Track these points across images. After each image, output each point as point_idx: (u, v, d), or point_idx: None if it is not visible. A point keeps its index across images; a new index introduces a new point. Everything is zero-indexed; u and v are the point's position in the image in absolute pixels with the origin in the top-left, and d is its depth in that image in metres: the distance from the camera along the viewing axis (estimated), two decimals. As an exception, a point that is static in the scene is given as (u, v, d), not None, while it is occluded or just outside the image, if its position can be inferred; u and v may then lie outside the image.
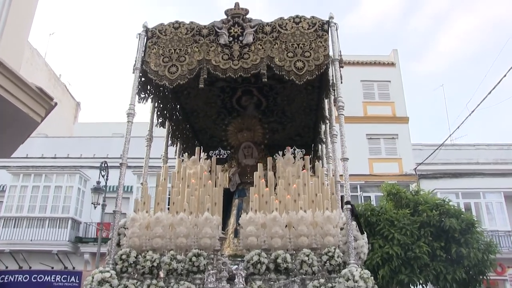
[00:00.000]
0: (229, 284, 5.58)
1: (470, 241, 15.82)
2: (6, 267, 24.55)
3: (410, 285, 16.28)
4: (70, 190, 25.71)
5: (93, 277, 5.73)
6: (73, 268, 25.01)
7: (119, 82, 79.90)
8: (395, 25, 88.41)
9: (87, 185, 26.41)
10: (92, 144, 27.48)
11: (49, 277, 24.45)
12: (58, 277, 24.62)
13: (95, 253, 23.22)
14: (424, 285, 16.60)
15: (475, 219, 16.97)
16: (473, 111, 19.16)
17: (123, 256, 5.99)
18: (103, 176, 20.72)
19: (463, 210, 22.56)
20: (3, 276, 23.85)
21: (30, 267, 24.53)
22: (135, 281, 5.90)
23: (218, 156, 10.08)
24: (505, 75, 15.26)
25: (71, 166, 26.25)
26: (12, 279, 24.05)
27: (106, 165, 21.05)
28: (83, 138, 28.55)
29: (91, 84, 75.22)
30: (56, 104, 6.95)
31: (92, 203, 21.35)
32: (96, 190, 20.99)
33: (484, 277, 16.38)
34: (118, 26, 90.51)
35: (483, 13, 78.84)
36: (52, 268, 24.75)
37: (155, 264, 5.95)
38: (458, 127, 24.46)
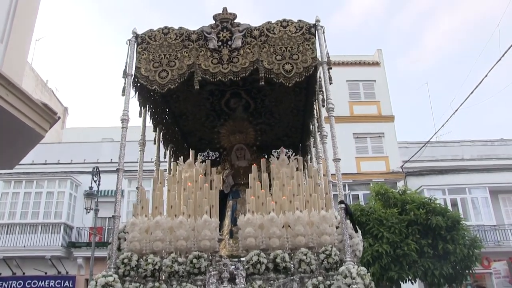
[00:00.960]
0: (230, 285, 5.62)
1: (456, 238, 16.44)
2: (0, 274, 24.46)
3: (400, 281, 16.79)
4: (62, 196, 25.64)
5: (96, 282, 5.72)
6: (67, 272, 24.99)
7: (105, 86, 79.42)
8: (381, 23, 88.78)
9: (78, 190, 26.41)
10: (82, 149, 27.33)
11: (43, 282, 24.43)
12: (52, 282, 24.61)
13: (88, 258, 23.28)
14: (413, 281, 17.19)
15: (460, 216, 17.50)
16: (456, 110, 19.46)
17: (125, 260, 6.02)
18: (95, 181, 20.79)
19: (450, 206, 23.22)
20: (-2, 282, 23.77)
21: (23, 273, 24.47)
22: (137, 284, 5.92)
23: (207, 158, 10.09)
24: (486, 76, 15.57)
25: (61, 171, 26.14)
26: (6, 286, 23.98)
27: (98, 170, 21.07)
28: (72, 144, 28.44)
29: (78, 89, 74.86)
30: (59, 118, 7.09)
31: (85, 208, 21.35)
32: (89, 195, 20.99)
33: (470, 271, 16.95)
34: (104, 30, 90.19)
35: (467, 10, 79.49)
36: (46, 273, 24.71)
37: (156, 267, 5.98)
38: (443, 126, 24.69)
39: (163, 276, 6.04)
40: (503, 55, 14.18)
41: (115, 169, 21.13)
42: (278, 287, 5.77)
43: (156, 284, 5.88)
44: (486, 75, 15.39)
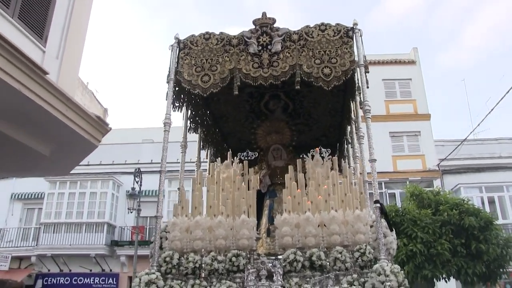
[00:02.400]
0: (268, 282, 5.76)
1: (489, 238, 16.51)
2: (48, 270, 25.36)
3: (434, 280, 16.97)
4: (104, 196, 26.19)
5: (140, 279, 5.92)
6: (110, 270, 25.65)
7: (144, 88, 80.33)
8: (420, 18, 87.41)
9: (120, 190, 26.99)
10: (123, 150, 27.76)
11: (88, 279, 25.14)
12: (96, 279, 25.31)
13: (131, 256, 23.98)
14: (446, 280, 17.27)
15: (493, 217, 17.55)
16: (492, 109, 19.24)
17: (167, 259, 6.20)
18: (137, 182, 21.10)
19: (487, 204, 22.94)
20: (46, 278, 24.59)
21: (70, 270, 25.26)
22: (179, 281, 6.09)
23: (246, 158, 10.20)
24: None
25: (104, 172, 26.64)
26: (55, 281, 24.75)
27: (139, 171, 21.43)
28: (114, 145, 28.95)
29: (117, 90, 75.89)
30: (111, 129, 7.58)
31: (128, 209, 21.69)
32: (131, 196, 21.40)
33: (504, 270, 16.97)
34: (143, 32, 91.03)
35: (508, 5, 77.73)
36: (91, 270, 25.48)
37: (197, 265, 6.16)
38: (478, 125, 24.45)
39: (203, 274, 6.22)
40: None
41: (155, 169, 21.59)
42: (314, 284, 5.88)
43: (197, 281, 6.05)
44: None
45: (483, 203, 24.76)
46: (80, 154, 7.99)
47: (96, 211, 25.83)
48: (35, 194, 26.81)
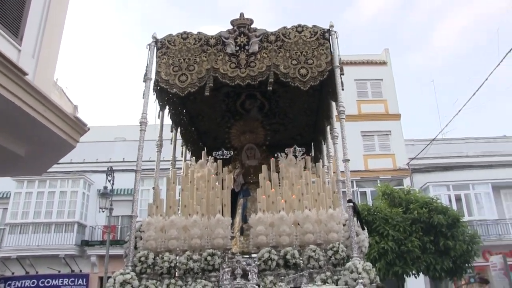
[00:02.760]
0: (243, 281, 5.81)
1: (456, 234, 17.26)
2: (13, 273, 24.51)
3: (404, 276, 17.54)
4: (75, 195, 25.69)
5: (115, 279, 5.90)
6: (80, 271, 25.14)
7: (117, 85, 79.57)
8: (392, 19, 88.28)
9: (91, 189, 26.58)
10: (95, 148, 27.16)
11: (56, 280, 24.53)
12: (65, 280, 24.72)
13: (101, 256, 23.80)
14: (416, 275, 17.83)
15: (460, 214, 18.46)
16: (459, 111, 20.07)
17: (142, 258, 6.19)
18: (109, 181, 20.90)
19: (454, 201, 23.68)
20: (9, 282, 23.83)
21: (37, 272, 24.50)
22: (154, 281, 6.09)
23: (221, 157, 10.25)
24: (486, 79, 15.72)
25: (74, 171, 26.18)
26: (19, 285, 24.07)
27: (111, 170, 21.25)
28: (85, 143, 28.54)
29: (88, 87, 75.02)
30: (88, 129, 7.58)
31: (100, 208, 21.47)
32: (104, 195, 21.21)
33: (469, 265, 17.76)
34: (113, 27, 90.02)
35: (479, 7, 78.84)
36: (59, 272, 24.81)
37: (172, 264, 6.17)
38: (446, 125, 25.09)
39: (178, 273, 6.25)
40: (502, 60, 14.25)
41: (127, 168, 21.48)
42: (288, 282, 5.95)
43: (172, 280, 6.07)
44: (486, 79, 15.67)
45: (450, 201, 25.42)
46: (56, 154, 7.93)
47: (66, 210, 25.28)
48: (0, 194, 26.23)
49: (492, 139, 29.18)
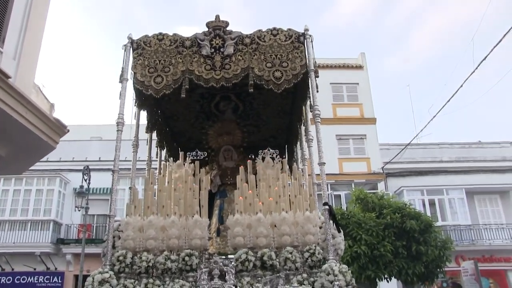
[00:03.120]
0: (220, 281, 5.82)
1: (428, 240, 17.62)
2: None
3: (377, 280, 17.81)
4: (51, 193, 25.50)
5: (93, 278, 5.90)
6: (55, 268, 24.95)
7: (93, 84, 78.85)
8: (369, 23, 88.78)
9: (67, 188, 26.35)
10: (71, 147, 26.59)
11: (32, 278, 24.37)
12: (41, 277, 24.57)
13: (77, 254, 23.73)
14: (388, 279, 18.17)
15: (432, 220, 18.74)
16: (433, 117, 20.15)
17: (120, 258, 6.19)
18: (85, 180, 20.80)
19: (428, 206, 24.00)
20: (-15, 279, 23.62)
21: (12, 269, 24.38)
22: (132, 280, 6.09)
23: (196, 158, 10.30)
24: (461, 86, 15.87)
25: (50, 169, 25.88)
26: (-5, 281, 23.83)
27: (88, 169, 21.15)
28: (61, 142, 28.25)
29: (65, 86, 74.25)
30: (68, 130, 7.67)
31: (76, 207, 21.37)
32: (80, 194, 21.04)
33: (441, 270, 18.13)
34: (90, 25, 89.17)
35: (455, 11, 79.79)
36: (35, 269, 24.66)
37: (150, 264, 6.17)
38: (420, 131, 25.44)
39: (156, 273, 6.23)
40: (476, 67, 14.47)
41: (103, 167, 21.37)
42: (265, 283, 5.98)
43: (150, 280, 6.07)
44: (461, 86, 15.81)
45: (424, 205, 25.69)
46: (36, 155, 7.99)
47: (42, 208, 25.09)
48: (-24, 191, 25.88)
49: (467, 144, 29.50)
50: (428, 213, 24.66)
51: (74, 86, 75.60)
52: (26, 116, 6.53)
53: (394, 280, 18.85)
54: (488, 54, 13.73)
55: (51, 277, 24.67)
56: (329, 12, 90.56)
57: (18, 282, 24.14)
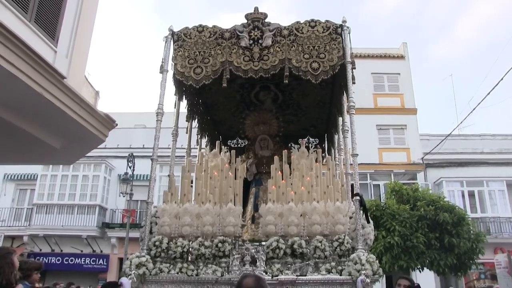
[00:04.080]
0: (252, 267, 5.96)
1: (461, 232, 17.53)
2: (40, 250, 25.63)
3: (409, 270, 17.95)
4: (97, 179, 26.38)
5: (131, 261, 6.12)
6: (101, 251, 26.00)
7: (136, 73, 79.81)
8: (413, 11, 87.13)
9: (112, 174, 27.16)
10: (115, 134, 27.26)
11: (79, 259, 25.47)
12: (87, 259, 25.65)
13: (121, 238, 24.60)
14: (420, 270, 18.24)
15: (465, 214, 18.60)
16: (474, 109, 20.05)
17: (157, 243, 6.40)
18: (130, 167, 21.26)
19: (467, 197, 24.15)
20: (38, 258, 24.36)
21: (61, 250, 25.53)
22: (167, 264, 6.29)
23: (236, 146, 10.46)
24: (501, 79, 15.53)
25: (96, 156, 26.21)
26: (46, 261, 24.67)
27: (132, 156, 21.59)
28: (106, 129, 28.82)
29: (110, 74, 75.35)
30: (117, 125, 8.17)
31: (121, 193, 21.97)
32: (124, 180, 21.70)
33: (473, 262, 18.13)
34: (132, 14, 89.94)
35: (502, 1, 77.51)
36: (82, 251, 25.81)
37: (185, 249, 6.35)
38: (461, 123, 24.90)
39: (190, 258, 6.40)
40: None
41: (147, 154, 21.72)
42: (295, 270, 6.09)
43: (185, 265, 6.24)
44: (501, 79, 15.51)
45: (463, 196, 25.31)
46: (87, 147, 8.60)
47: (88, 193, 26.02)
48: (28, 176, 26.79)
49: (510, 136, 28.82)
50: (468, 205, 24.59)
51: (118, 73, 76.77)
52: (79, 112, 6.96)
53: (429, 272, 18.84)
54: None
55: (97, 259, 25.67)
56: (373, 1, 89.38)
57: (67, 262, 25.21)
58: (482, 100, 19.05)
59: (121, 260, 24.34)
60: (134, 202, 23.95)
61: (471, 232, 18.19)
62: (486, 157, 27.09)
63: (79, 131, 7.37)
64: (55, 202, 25.72)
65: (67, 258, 25.34)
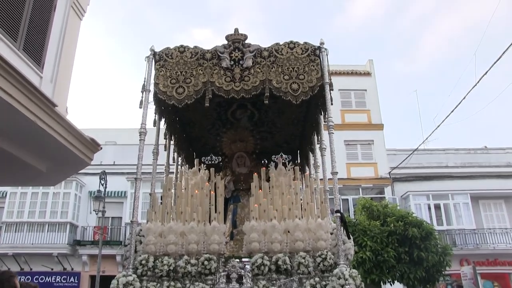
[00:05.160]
0: (238, 284, 6.01)
1: (429, 246, 18.39)
2: (9, 269, 24.67)
3: (381, 283, 18.73)
4: (68, 196, 26.00)
5: (118, 281, 6.09)
6: (72, 269, 25.52)
7: (104, 88, 79.05)
8: (380, 27, 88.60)
9: (82, 191, 26.83)
10: (86, 151, 27.18)
11: (49, 278, 24.98)
12: (58, 277, 25.20)
13: (92, 255, 24.39)
14: (391, 283, 18.96)
15: (432, 228, 19.45)
16: (437, 127, 20.73)
17: (143, 262, 6.37)
18: (102, 185, 21.13)
19: (433, 210, 25.09)
20: (7, 278, 24.00)
21: (31, 269, 24.90)
22: (154, 283, 6.27)
23: (210, 162, 10.48)
24: (464, 97, 16.11)
25: (67, 173, 26.23)
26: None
27: (105, 173, 21.47)
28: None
29: (78, 89, 74.54)
30: (101, 148, 8.36)
31: (94, 210, 21.79)
32: (97, 198, 21.51)
33: (440, 274, 18.97)
34: (101, 27, 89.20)
35: (466, 14, 79.12)
36: (52, 269, 25.29)
37: (171, 267, 6.33)
38: (426, 139, 25.60)
39: (177, 276, 6.39)
40: (479, 81, 14.60)
41: (118, 171, 21.69)
42: (280, 286, 6.15)
43: (172, 283, 6.23)
44: (464, 97, 16.14)
45: (430, 209, 25.84)
46: (72, 170, 8.74)
47: (59, 211, 25.70)
48: (-3, 194, 26.34)
49: (473, 150, 29.65)
50: (434, 217, 25.29)
51: (86, 89, 75.98)
52: (67, 138, 7.10)
53: (400, 285, 19.60)
54: (488, 71, 13.90)
55: (68, 277, 25.23)
56: (342, 16, 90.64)
57: (37, 281, 24.45)
58: (446, 118, 19.59)
59: (92, 277, 24.07)
60: (105, 219, 23.75)
61: (438, 246, 19.03)
62: (450, 171, 27.77)
63: (66, 155, 7.50)
64: (25, 220, 25.29)
65: (37, 276, 24.75)
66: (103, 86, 78.74)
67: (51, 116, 6.62)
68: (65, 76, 8.50)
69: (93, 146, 7.99)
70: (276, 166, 8.25)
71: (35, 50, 7.46)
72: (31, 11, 7.33)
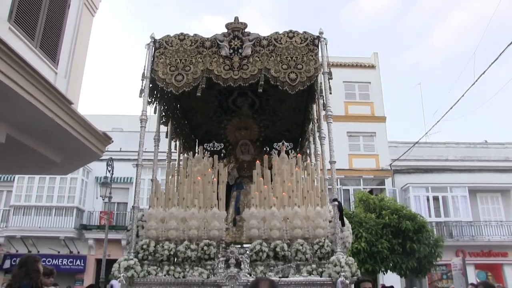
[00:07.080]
0: (236, 269, 6.00)
1: (421, 239, 19.10)
2: (17, 251, 25.14)
3: (374, 273, 19.43)
4: (74, 181, 26.12)
5: (119, 264, 6.10)
6: (78, 252, 25.77)
7: (112, 75, 78.86)
8: (391, 18, 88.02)
9: (89, 176, 26.92)
10: (93, 137, 27.21)
11: (56, 260, 25.11)
12: (64, 260, 25.40)
13: (98, 239, 24.67)
14: (384, 272, 19.72)
15: (425, 221, 20.15)
16: (441, 118, 20.63)
17: (144, 246, 6.37)
18: (109, 171, 21.15)
19: (432, 202, 25.65)
20: (14, 259, 24.14)
21: (38, 251, 24.94)
22: (155, 267, 6.28)
23: (212, 149, 10.48)
24: (466, 90, 16.01)
25: (74, 158, 26.31)
26: (22, 262, 24.32)
27: (112, 160, 21.49)
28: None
29: (86, 76, 74.34)
30: (113, 141, 8.86)
31: (100, 196, 21.85)
32: (104, 184, 21.58)
33: (432, 265, 19.92)
34: (109, 13, 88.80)
35: (474, 9, 78.39)
36: (59, 252, 25.53)
37: (171, 252, 6.34)
38: (427, 133, 25.33)
39: (177, 261, 6.40)
40: (475, 82, 14.51)
41: (124, 157, 21.70)
42: (277, 272, 6.14)
43: (172, 267, 6.24)
44: (466, 91, 16.07)
45: (428, 201, 25.87)
46: (84, 161, 9.27)
47: (66, 195, 25.86)
48: (4, 177, 26.48)
49: (472, 144, 29.62)
50: (432, 209, 25.71)
51: (93, 76, 75.89)
52: (82, 132, 7.49)
53: (389, 272, 19.96)
54: (487, 69, 13.83)
55: (74, 260, 25.47)
56: (352, 7, 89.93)
57: (44, 264, 24.46)
58: (447, 112, 19.55)
59: (98, 261, 24.22)
60: (111, 204, 23.85)
61: (431, 238, 19.76)
62: (450, 164, 27.77)
63: (80, 148, 7.89)
64: (33, 204, 25.43)
65: (44, 259, 24.58)
66: (110, 73, 78.57)
67: (67, 113, 6.91)
68: (78, 71, 8.83)
69: (105, 139, 8.37)
70: (279, 154, 8.20)
71: (50, 48, 7.75)
72: (47, 10, 7.55)
